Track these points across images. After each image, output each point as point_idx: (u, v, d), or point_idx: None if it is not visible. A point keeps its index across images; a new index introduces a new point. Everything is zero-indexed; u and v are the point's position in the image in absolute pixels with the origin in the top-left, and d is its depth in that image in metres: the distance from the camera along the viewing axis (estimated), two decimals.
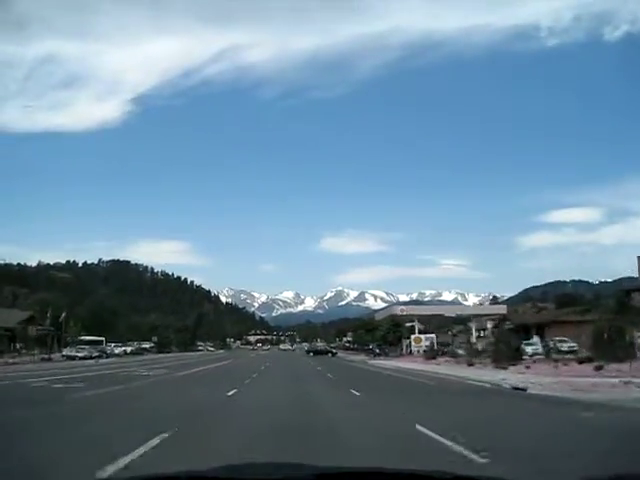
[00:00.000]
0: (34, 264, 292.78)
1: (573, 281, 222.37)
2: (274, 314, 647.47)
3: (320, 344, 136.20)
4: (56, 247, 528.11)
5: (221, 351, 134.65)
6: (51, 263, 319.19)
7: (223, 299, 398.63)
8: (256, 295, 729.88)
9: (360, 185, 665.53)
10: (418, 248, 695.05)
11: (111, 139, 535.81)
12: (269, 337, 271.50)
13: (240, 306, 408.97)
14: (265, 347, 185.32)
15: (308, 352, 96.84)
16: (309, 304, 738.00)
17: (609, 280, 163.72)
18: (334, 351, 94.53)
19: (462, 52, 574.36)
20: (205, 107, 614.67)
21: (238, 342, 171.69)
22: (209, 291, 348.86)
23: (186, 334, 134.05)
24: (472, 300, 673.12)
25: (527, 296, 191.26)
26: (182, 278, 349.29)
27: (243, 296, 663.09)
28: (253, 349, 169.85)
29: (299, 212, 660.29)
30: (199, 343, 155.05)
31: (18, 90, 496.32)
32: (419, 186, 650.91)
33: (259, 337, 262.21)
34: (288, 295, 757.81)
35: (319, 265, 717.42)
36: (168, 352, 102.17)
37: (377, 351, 79.65)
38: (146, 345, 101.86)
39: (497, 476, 2.70)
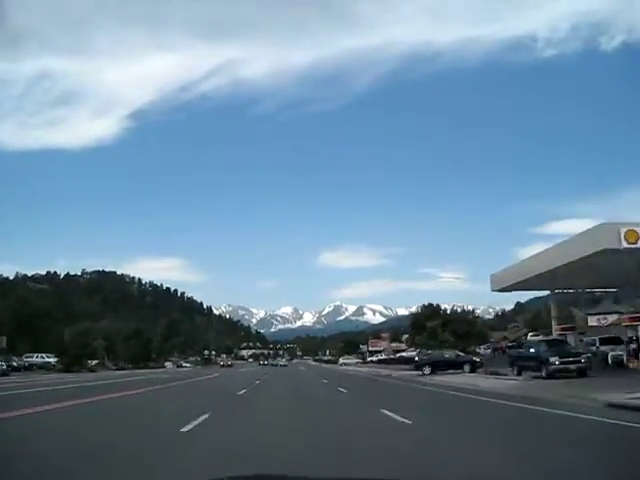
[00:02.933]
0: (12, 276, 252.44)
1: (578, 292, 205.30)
2: (272, 330, 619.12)
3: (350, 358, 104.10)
4: (51, 264, 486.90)
5: (186, 368, 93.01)
6: (29, 274, 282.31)
7: (221, 314, 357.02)
8: (254, 311, 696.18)
9: (358, 199, 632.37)
10: (416, 261, 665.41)
11: (108, 155, 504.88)
12: (265, 351, 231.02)
13: (237, 321, 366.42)
14: (264, 362, 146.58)
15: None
16: (308, 319, 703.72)
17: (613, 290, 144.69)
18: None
19: (459, 64, 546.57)
20: (202, 122, 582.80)
21: (224, 356, 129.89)
22: (201, 303, 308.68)
23: (142, 344, 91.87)
24: None
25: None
26: (172, 290, 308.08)
27: (241, 312, 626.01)
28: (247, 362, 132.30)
29: (297, 227, 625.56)
30: (172, 358, 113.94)
31: (14, 107, 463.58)
32: (417, 199, 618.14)
33: (254, 351, 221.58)
34: (287, 310, 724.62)
35: (317, 280, 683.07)
36: (90, 370, 60.99)
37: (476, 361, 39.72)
38: (51, 359, 60.44)
39: None
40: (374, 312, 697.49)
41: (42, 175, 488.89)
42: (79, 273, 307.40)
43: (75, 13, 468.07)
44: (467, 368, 38.33)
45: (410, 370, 43.69)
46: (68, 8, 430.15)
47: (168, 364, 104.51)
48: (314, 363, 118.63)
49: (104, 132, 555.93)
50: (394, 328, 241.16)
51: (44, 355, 63.83)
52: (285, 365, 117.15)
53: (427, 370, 38.90)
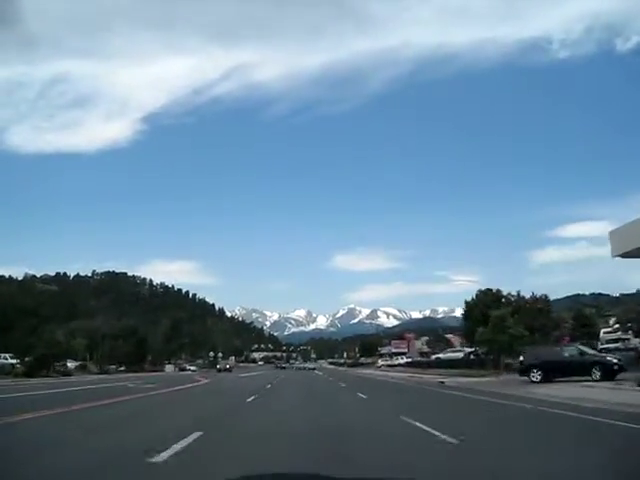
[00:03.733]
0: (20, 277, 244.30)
1: (593, 294, 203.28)
2: (286, 332, 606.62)
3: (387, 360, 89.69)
4: (65, 267, 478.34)
5: (188, 372, 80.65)
6: (38, 275, 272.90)
7: (233, 316, 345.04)
8: (268, 314, 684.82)
9: (372, 201, 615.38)
10: (430, 265, 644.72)
11: (122, 158, 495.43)
12: (278, 354, 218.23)
13: (250, 322, 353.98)
14: (280, 364, 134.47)
15: None
16: (321, 322, 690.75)
17: (630, 292, 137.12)
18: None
19: (474, 65, 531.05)
20: (216, 125, 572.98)
21: (232, 358, 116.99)
22: (213, 305, 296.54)
23: (136, 344, 79.40)
24: None
25: None
26: (183, 291, 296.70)
27: (255, 315, 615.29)
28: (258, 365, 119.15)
29: (311, 230, 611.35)
30: (178, 360, 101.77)
31: (29, 110, 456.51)
32: (431, 202, 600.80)
33: (266, 354, 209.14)
34: (300, 313, 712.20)
35: (331, 283, 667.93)
36: (64, 374, 49.10)
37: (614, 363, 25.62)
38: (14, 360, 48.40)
39: None
40: (388, 315, 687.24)
41: (56, 178, 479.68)
42: (89, 274, 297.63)
43: (90, 17, 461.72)
44: (597, 374, 24.94)
45: (465, 376, 31.20)
46: (83, 12, 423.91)
47: (169, 367, 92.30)
48: (330, 366, 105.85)
49: (118, 135, 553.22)
50: (408, 331, 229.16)
51: (7, 355, 51.60)
52: (312, 369, 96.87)
53: (537, 375, 26.25)
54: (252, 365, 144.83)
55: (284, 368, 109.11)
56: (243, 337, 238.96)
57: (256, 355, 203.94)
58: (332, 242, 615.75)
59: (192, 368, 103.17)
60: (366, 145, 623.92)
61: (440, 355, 59.27)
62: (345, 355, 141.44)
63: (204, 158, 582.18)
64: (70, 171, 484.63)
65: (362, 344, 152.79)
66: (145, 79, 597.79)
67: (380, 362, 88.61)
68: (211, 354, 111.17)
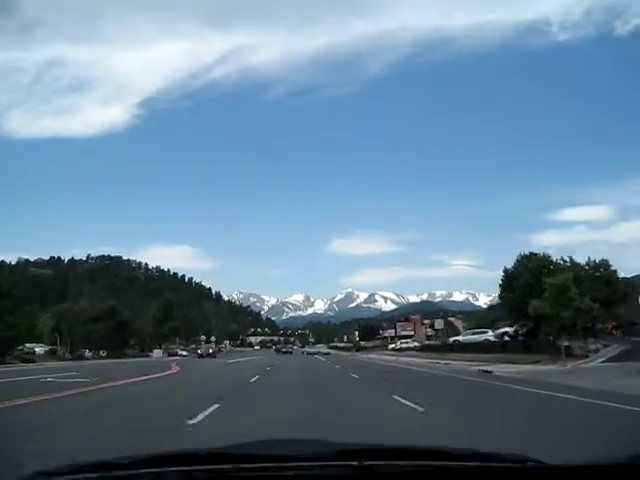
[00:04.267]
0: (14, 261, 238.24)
1: None
2: (284, 317, 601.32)
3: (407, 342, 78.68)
4: (63, 252, 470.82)
5: (178, 357, 72.68)
6: (31, 259, 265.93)
7: (230, 300, 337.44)
8: (266, 298, 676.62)
9: (369, 185, 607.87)
10: (428, 248, 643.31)
11: (118, 143, 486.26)
12: (275, 338, 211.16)
13: (247, 306, 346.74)
14: (282, 348, 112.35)
15: None
16: (319, 307, 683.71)
17: (628, 276, 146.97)
18: None
19: (472, 48, 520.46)
20: (212, 109, 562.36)
21: (227, 343, 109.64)
22: (209, 289, 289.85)
23: (115, 326, 71.74)
24: (483, 300, 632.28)
25: None
26: (180, 275, 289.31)
27: (253, 299, 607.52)
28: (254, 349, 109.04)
29: (309, 214, 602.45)
30: (170, 345, 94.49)
31: (24, 95, 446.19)
32: (429, 185, 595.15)
33: (263, 338, 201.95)
34: (298, 298, 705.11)
35: (329, 267, 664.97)
36: (25, 361, 41.53)
37: None
38: None
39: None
40: (386, 299, 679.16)
41: (53, 163, 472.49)
42: (84, 258, 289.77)
43: (85, 1, 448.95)
44: None
45: (512, 363, 23.48)
46: None
47: (157, 352, 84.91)
48: (332, 351, 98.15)
49: (114, 119, 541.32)
50: (406, 315, 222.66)
51: None
52: (327, 353, 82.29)
53: None
54: (248, 350, 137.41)
55: (289, 353, 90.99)
56: (240, 321, 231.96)
57: (253, 339, 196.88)
58: (330, 226, 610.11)
59: (184, 353, 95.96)
60: (365, 128, 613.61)
61: (459, 338, 51.80)
62: (345, 339, 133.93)
63: (201, 142, 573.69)
64: (66, 156, 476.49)
65: (362, 327, 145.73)
66: (141, 63, 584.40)
67: (399, 344, 79.74)
68: (203, 338, 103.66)
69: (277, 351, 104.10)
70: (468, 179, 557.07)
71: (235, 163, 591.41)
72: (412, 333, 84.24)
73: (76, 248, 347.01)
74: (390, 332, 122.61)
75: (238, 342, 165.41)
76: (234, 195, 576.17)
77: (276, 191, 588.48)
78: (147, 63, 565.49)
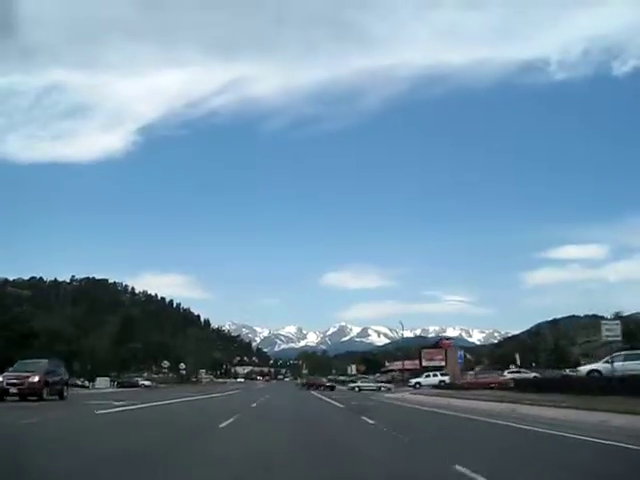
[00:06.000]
0: None
1: (587, 316, 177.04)
2: (276, 349, 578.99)
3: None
4: (46, 273, 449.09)
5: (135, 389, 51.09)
6: (10, 279, 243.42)
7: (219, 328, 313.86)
8: (258, 330, 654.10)
9: (365, 219, 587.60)
10: (422, 284, 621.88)
11: (116, 169, 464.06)
12: (265, 369, 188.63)
13: (237, 335, 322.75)
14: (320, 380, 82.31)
15: None
16: (312, 339, 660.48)
17: (625, 314, 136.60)
18: None
19: (470, 85, 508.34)
20: (211, 139, 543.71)
21: (203, 372, 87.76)
22: (198, 316, 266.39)
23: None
24: (476, 336, 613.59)
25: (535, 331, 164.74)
26: (167, 300, 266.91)
27: (245, 330, 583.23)
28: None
29: (303, 247, 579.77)
30: (129, 374, 72.44)
31: (23, 120, 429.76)
32: (423, 222, 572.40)
33: (252, 368, 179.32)
34: (290, 330, 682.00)
35: (322, 300, 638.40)
36: None
37: None
38: None
39: None
40: (379, 334, 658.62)
41: (50, 188, 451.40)
42: (68, 280, 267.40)
43: (86, 27, 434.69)
44: None
45: None
46: (79, 22, 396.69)
47: (102, 382, 63.23)
48: (342, 387, 68.43)
49: (113, 146, 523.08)
50: (400, 350, 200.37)
51: None
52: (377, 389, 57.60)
53: None
54: (230, 381, 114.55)
55: (329, 387, 65.31)
56: (228, 350, 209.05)
57: (240, 369, 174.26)
58: (324, 259, 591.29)
59: (146, 383, 74.31)
60: (361, 162, 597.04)
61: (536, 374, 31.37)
62: (350, 371, 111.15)
63: (199, 171, 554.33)
64: (64, 181, 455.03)
65: (362, 359, 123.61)
66: (141, 90, 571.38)
67: (424, 378, 56.92)
68: (165, 364, 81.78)
69: (304, 385, 76.92)
70: (463, 215, 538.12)
71: (231, 193, 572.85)
72: (442, 364, 63.06)
73: (63, 271, 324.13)
74: (397, 364, 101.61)
75: (222, 372, 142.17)
76: (229, 225, 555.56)
77: (271, 222, 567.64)
78: (146, 90, 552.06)
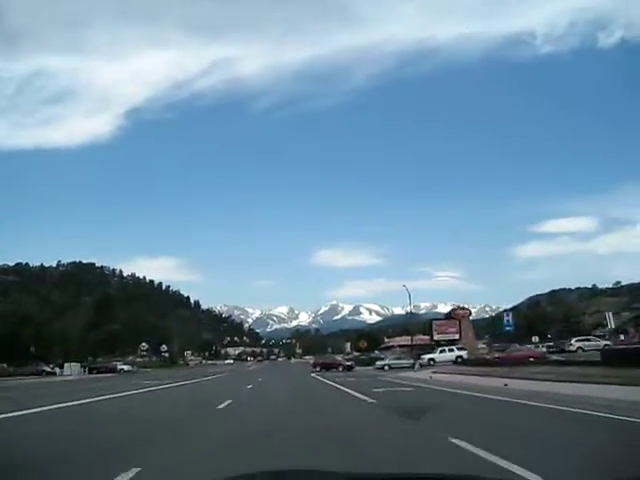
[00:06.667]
0: None
1: (578, 288, 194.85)
2: (268, 329, 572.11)
3: None
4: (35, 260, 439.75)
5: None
6: None
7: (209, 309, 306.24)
8: (250, 311, 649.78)
9: (354, 197, 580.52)
10: (412, 261, 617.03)
11: (103, 154, 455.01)
12: (257, 349, 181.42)
13: (228, 317, 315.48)
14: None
15: None
16: (303, 319, 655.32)
17: (614, 287, 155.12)
18: None
19: (457, 60, 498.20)
20: (198, 120, 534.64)
21: (189, 354, 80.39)
22: (188, 297, 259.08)
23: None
24: None
25: (533, 303, 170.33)
26: (156, 283, 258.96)
27: (237, 312, 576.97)
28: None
29: (293, 226, 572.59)
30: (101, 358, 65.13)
31: (8, 106, 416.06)
32: (413, 197, 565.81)
33: (243, 349, 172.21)
34: (282, 310, 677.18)
35: (313, 279, 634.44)
36: None
37: None
38: None
39: None
40: (370, 311, 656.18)
41: (36, 174, 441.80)
42: (54, 265, 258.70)
43: (70, 11, 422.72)
44: None
45: None
46: (63, 6, 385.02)
47: (72, 368, 55.75)
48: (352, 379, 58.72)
49: (99, 130, 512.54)
50: (391, 327, 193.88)
51: None
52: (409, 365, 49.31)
53: None
54: (219, 363, 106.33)
55: (347, 368, 52.03)
56: (218, 331, 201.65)
57: (231, 350, 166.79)
58: (314, 238, 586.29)
59: (125, 367, 66.84)
60: (350, 140, 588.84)
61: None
62: (348, 348, 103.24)
63: (186, 153, 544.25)
64: (50, 167, 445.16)
65: (360, 336, 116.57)
66: (126, 74, 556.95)
67: (438, 353, 49.84)
68: (144, 345, 74.25)
69: (315, 366, 55.96)
70: (452, 190, 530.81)
71: (219, 174, 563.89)
72: (457, 336, 55.69)
73: (50, 257, 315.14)
74: (398, 340, 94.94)
75: (212, 353, 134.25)
76: (218, 206, 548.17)
77: (260, 202, 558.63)
78: (132, 74, 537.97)
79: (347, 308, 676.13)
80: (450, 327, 57.46)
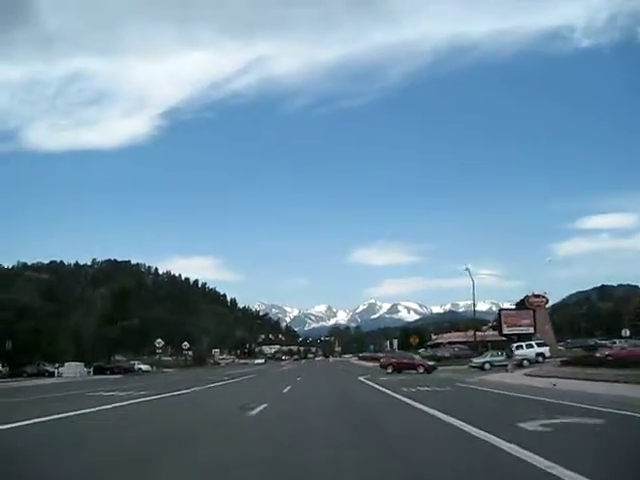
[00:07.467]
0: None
1: (621, 285, 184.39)
2: (306, 328, 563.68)
3: None
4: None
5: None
6: (29, 263, 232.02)
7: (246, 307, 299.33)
8: (288, 309, 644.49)
9: (392, 195, 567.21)
10: (450, 259, 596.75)
11: (141, 154, 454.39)
12: (294, 348, 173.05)
13: (264, 314, 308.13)
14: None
15: None
16: (342, 317, 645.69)
17: None
18: None
19: (493, 56, 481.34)
20: (234, 120, 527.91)
21: (217, 352, 71.66)
22: (224, 295, 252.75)
23: None
24: None
25: (582, 299, 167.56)
26: (192, 281, 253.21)
27: (275, 310, 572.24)
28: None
29: (331, 225, 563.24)
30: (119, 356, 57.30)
31: (47, 108, 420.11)
32: (452, 196, 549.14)
33: (279, 347, 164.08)
34: (320, 309, 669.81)
35: (351, 278, 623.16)
36: None
37: None
38: None
39: None
40: (408, 310, 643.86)
41: (74, 174, 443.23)
42: (89, 263, 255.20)
43: (106, 13, 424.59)
44: None
45: None
46: (99, 8, 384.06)
47: (72, 367, 47.64)
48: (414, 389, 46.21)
49: (137, 131, 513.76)
50: (431, 325, 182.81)
51: None
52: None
53: None
54: (249, 362, 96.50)
55: (427, 369, 42.51)
56: (253, 329, 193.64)
57: (267, 349, 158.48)
58: (352, 237, 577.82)
59: (143, 367, 58.59)
60: (386, 139, 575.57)
61: None
62: (390, 346, 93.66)
63: (224, 153, 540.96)
64: (88, 168, 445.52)
65: (402, 333, 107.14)
66: (162, 75, 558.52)
67: (517, 351, 37.73)
68: (159, 342, 65.82)
69: (386, 367, 45.58)
70: (491, 188, 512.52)
71: (258, 173, 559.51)
72: (531, 330, 45.27)
73: (86, 256, 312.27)
74: (447, 337, 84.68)
75: (246, 352, 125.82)
76: (256, 205, 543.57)
77: (298, 201, 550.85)
78: (168, 74, 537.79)
79: (385, 306, 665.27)
80: (523, 318, 46.71)
